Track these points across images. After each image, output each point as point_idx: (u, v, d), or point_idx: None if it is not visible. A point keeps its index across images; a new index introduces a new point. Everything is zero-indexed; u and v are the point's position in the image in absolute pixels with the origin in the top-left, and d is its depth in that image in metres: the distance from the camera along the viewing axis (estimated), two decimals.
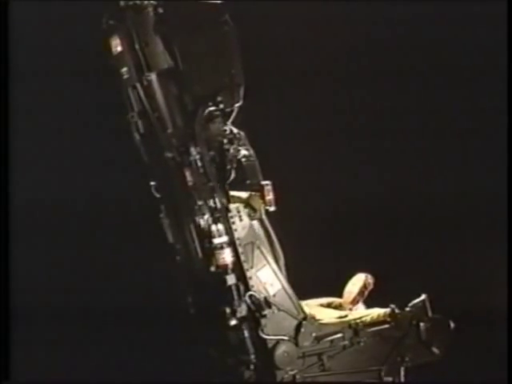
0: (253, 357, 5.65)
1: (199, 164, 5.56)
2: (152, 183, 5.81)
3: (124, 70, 5.57)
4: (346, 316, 6.04)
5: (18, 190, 7.16)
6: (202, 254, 5.64)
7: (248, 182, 5.66)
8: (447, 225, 7.91)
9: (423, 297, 6.05)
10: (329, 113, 7.64)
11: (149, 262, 6.58)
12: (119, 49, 5.54)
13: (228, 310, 5.55)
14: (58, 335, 7.53)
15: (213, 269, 5.57)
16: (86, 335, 7.58)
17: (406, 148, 7.73)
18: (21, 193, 7.24)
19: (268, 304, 5.61)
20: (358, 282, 6.37)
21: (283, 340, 5.66)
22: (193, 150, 5.55)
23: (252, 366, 5.69)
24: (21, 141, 7.18)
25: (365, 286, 6.36)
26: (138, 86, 5.57)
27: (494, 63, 7.37)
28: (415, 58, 7.48)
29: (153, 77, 5.54)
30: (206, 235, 5.58)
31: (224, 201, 5.61)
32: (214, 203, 5.58)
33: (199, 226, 5.60)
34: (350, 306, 6.28)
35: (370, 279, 6.37)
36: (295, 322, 5.71)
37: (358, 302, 6.37)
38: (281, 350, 5.63)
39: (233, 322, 5.55)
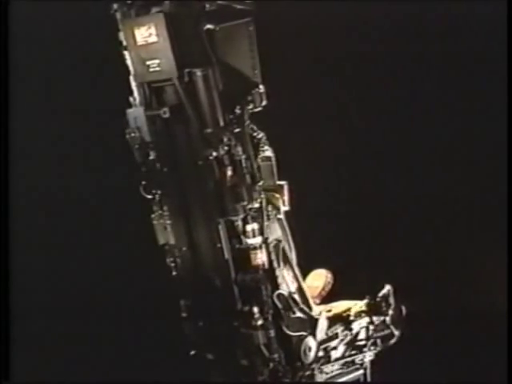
0: (276, 355, 5.71)
1: (244, 164, 5.50)
2: (144, 183, 5.71)
3: (154, 62, 5.27)
4: (330, 310, 6.14)
5: (18, 190, 7.17)
6: (229, 255, 5.60)
7: (263, 182, 5.66)
8: (447, 225, 7.91)
9: (388, 287, 6.20)
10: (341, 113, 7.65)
11: (149, 263, 6.56)
12: (153, 39, 5.23)
13: (256, 310, 5.58)
14: (57, 335, 7.54)
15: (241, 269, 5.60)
16: (87, 335, 7.59)
17: (411, 147, 7.74)
18: (21, 192, 7.25)
19: (294, 301, 5.71)
20: (319, 277, 6.41)
21: (305, 336, 5.78)
22: (239, 150, 5.47)
23: (272, 365, 5.75)
24: (21, 141, 7.18)
25: (328, 281, 6.41)
26: (176, 80, 5.30)
27: (494, 63, 7.37)
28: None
29: (198, 73, 5.30)
30: (238, 235, 5.58)
31: (263, 200, 5.61)
32: (253, 203, 5.56)
33: (232, 226, 5.57)
34: (316, 300, 6.36)
35: (330, 273, 6.44)
36: (312, 318, 5.84)
37: (322, 297, 6.47)
38: (305, 346, 5.78)
39: (260, 322, 5.59)
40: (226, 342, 5.82)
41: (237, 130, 5.47)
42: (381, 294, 6.20)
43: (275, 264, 5.67)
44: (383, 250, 7.81)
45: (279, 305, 5.67)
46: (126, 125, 5.59)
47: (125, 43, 5.42)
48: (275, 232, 5.70)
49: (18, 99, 7.11)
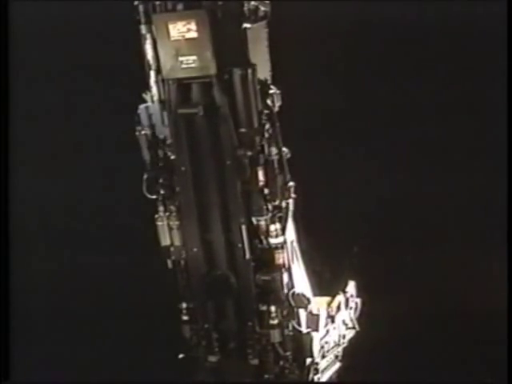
0: (289, 353, 5.81)
1: (276, 164, 5.50)
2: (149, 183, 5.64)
3: (189, 58, 5.15)
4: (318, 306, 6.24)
5: (18, 191, 7.18)
6: (250, 255, 5.60)
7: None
8: (447, 224, 7.91)
9: (353, 283, 6.26)
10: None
11: (150, 264, 6.55)
12: (192, 35, 5.10)
13: (273, 309, 5.64)
14: (57, 335, 7.54)
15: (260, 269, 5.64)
16: (87, 335, 7.59)
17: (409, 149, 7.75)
18: (21, 193, 7.26)
19: (306, 299, 5.75)
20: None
21: (311, 332, 5.86)
22: (272, 150, 5.47)
23: (281, 363, 5.83)
24: (21, 141, 7.19)
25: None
26: (214, 78, 5.22)
27: (494, 63, 7.37)
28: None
29: (238, 72, 5.24)
30: (258, 235, 5.59)
31: (290, 200, 5.63)
32: (281, 202, 5.59)
33: (257, 225, 5.58)
34: None
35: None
36: (316, 314, 5.90)
37: None
38: (311, 342, 5.87)
39: (276, 321, 5.67)
40: (238, 342, 5.85)
41: (270, 131, 5.45)
42: (347, 290, 6.24)
43: (292, 263, 5.72)
44: (383, 250, 7.80)
45: (293, 303, 5.71)
46: (137, 122, 5.54)
47: (147, 37, 5.30)
48: (291, 231, 5.72)
49: (18, 99, 7.12)
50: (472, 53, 7.43)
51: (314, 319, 5.85)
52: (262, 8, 5.32)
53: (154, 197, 5.68)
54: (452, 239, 7.90)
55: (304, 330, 5.83)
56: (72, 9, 7.03)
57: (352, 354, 7.31)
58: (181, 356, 5.95)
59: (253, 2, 5.27)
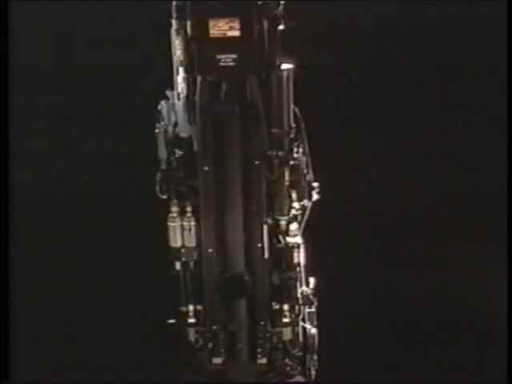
0: (296, 350, 5.91)
1: (303, 165, 5.56)
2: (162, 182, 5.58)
3: (229, 56, 5.08)
4: None
5: (18, 190, 7.17)
6: (269, 254, 5.65)
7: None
8: (446, 224, 7.91)
9: (313, 280, 6.16)
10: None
11: (152, 265, 6.55)
12: (235, 33, 5.04)
13: (286, 307, 5.74)
14: (58, 335, 7.54)
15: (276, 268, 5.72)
16: (87, 335, 7.59)
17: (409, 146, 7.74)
18: (21, 192, 7.25)
19: (313, 296, 5.85)
20: None
21: (312, 328, 5.97)
22: (300, 151, 5.52)
23: (287, 360, 5.92)
24: (21, 140, 7.19)
25: None
26: (252, 78, 5.20)
27: (494, 63, 7.37)
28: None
29: (277, 72, 5.23)
30: (276, 235, 5.64)
31: (311, 199, 5.67)
32: (305, 202, 5.66)
33: (278, 225, 5.62)
34: None
35: None
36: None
37: None
38: (314, 337, 5.98)
39: (288, 319, 5.76)
40: (248, 342, 5.87)
41: (296, 131, 5.48)
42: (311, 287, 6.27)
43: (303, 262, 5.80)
44: (383, 250, 7.80)
45: (300, 300, 5.82)
46: (158, 119, 5.46)
47: (180, 32, 5.19)
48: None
49: (18, 99, 7.11)
50: (471, 53, 7.43)
51: (312, 315, 5.96)
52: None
53: (165, 197, 5.61)
54: (451, 239, 7.91)
55: (308, 326, 5.93)
56: (72, 8, 7.04)
57: (352, 353, 7.34)
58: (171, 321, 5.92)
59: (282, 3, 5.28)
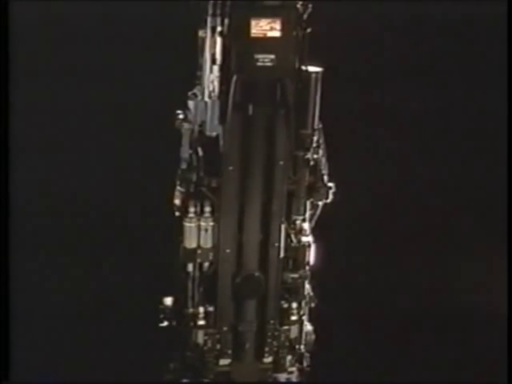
0: (302, 347, 5.96)
1: (321, 166, 5.60)
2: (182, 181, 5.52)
3: (267, 56, 5.06)
4: None
5: (19, 190, 7.17)
6: (284, 253, 5.69)
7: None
8: (446, 224, 7.92)
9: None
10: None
11: (156, 266, 6.53)
12: (275, 34, 5.04)
13: (294, 305, 5.81)
14: (58, 335, 7.53)
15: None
16: (87, 336, 7.58)
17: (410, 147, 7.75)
18: (21, 193, 7.25)
19: (316, 295, 5.90)
20: None
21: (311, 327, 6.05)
22: (320, 152, 5.55)
23: (290, 356, 5.96)
24: (21, 140, 7.18)
25: None
26: (287, 79, 5.18)
27: (494, 63, 7.38)
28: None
29: (313, 74, 5.27)
30: (294, 234, 5.68)
31: (327, 199, 5.70)
32: (320, 202, 5.70)
33: (294, 225, 5.67)
34: None
35: None
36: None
37: None
38: (311, 333, 6.03)
39: (295, 317, 5.83)
40: (256, 341, 5.87)
41: (319, 132, 5.51)
42: None
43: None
44: (383, 250, 7.81)
45: (307, 298, 5.88)
46: (184, 118, 5.40)
47: (216, 30, 5.14)
48: None
49: (19, 99, 7.11)
50: (471, 53, 7.44)
51: (310, 312, 6.01)
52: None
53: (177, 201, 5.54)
54: (451, 239, 7.91)
55: (307, 322, 5.98)
56: (72, 8, 7.04)
57: (352, 354, 7.34)
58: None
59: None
